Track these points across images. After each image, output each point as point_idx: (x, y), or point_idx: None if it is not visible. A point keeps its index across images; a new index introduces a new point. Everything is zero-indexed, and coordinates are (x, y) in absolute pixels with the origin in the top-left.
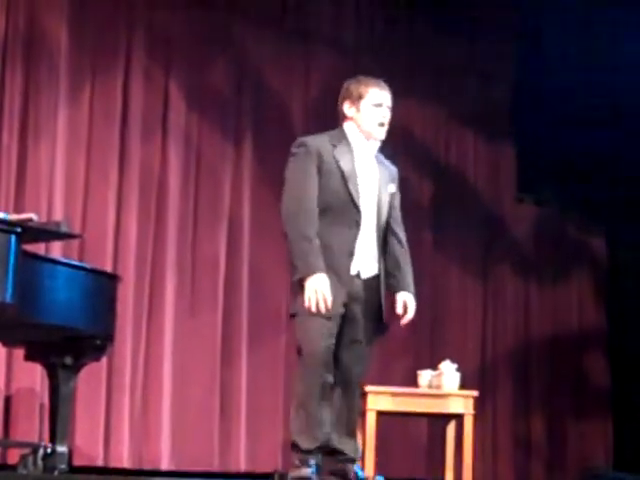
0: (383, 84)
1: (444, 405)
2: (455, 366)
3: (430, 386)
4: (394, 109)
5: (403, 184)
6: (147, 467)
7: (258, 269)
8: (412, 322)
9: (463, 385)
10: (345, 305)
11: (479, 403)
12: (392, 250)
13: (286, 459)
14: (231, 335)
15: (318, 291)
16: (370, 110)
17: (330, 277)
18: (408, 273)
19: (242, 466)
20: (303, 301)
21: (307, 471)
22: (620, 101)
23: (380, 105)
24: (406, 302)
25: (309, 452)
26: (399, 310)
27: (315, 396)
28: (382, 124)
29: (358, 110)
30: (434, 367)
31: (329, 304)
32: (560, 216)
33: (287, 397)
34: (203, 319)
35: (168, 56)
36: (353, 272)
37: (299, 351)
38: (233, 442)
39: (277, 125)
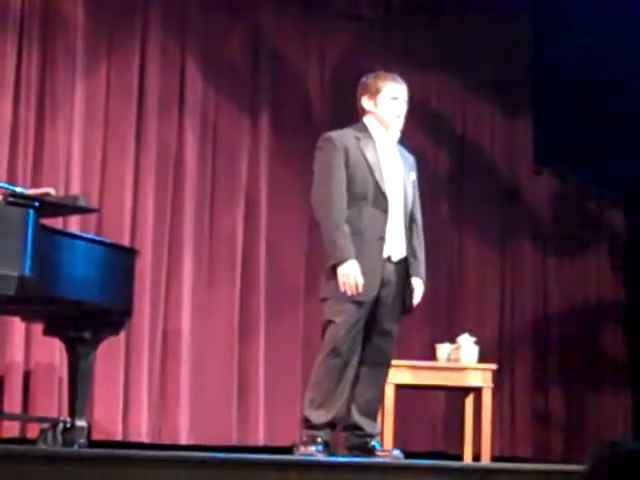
0: (399, 78)
1: (462, 378)
2: (473, 339)
3: (448, 359)
4: (412, 82)
5: (420, 157)
6: (166, 441)
7: (275, 243)
8: (430, 296)
9: (481, 358)
10: (378, 290)
11: (497, 376)
12: (412, 238)
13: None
14: (249, 310)
15: (350, 276)
16: (387, 103)
17: (362, 263)
18: (422, 262)
19: (260, 440)
20: (334, 286)
21: (312, 449)
22: None
23: (396, 98)
24: (414, 287)
25: (318, 428)
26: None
27: (332, 376)
28: (399, 116)
29: (376, 104)
30: (452, 340)
31: (360, 289)
32: (578, 188)
33: (305, 371)
34: (221, 294)
35: (184, 31)
36: (384, 256)
37: (323, 332)
38: (251, 416)
39: (294, 100)
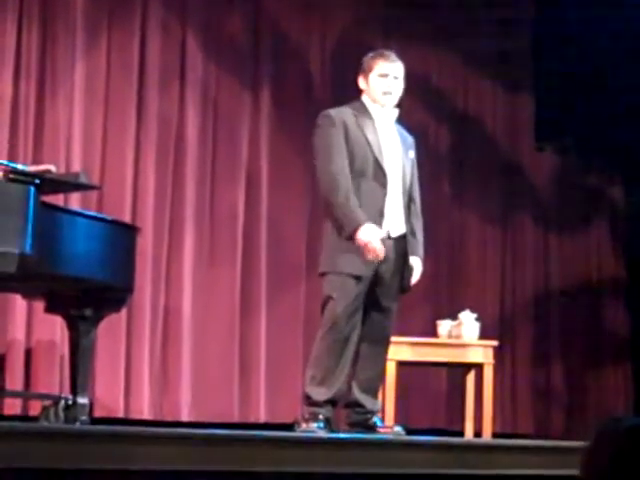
0: (393, 56)
1: (464, 355)
2: (474, 316)
3: (450, 336)
4: (413, 59)
5: (421, 134)
6: (167, 418)
7: (276, 220)
8: (431, 272)
9: (483, 335)
10: (376, 266)
11: (498, 353)
12: (410, 217)
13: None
14: (250, 287)
15: (372, 239)
16: (376, 81)
17: None
18: (420, 241)
19: (262, 417)
20: (333, 260)
21: (313, 426)
22: None
23: (385, 75)
24: (413, 266)
25: (319, 405)
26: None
27: (333, 353)
28: (386, 92)
29: (367, 83)
30: (453, 317)
31: (381, 253)
32: (579, 165)
33: (306, 348)
34: (222, 271)
35: (185, 7)
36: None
37: (323, 307)
38: (253, 393)
39: (295, 75)
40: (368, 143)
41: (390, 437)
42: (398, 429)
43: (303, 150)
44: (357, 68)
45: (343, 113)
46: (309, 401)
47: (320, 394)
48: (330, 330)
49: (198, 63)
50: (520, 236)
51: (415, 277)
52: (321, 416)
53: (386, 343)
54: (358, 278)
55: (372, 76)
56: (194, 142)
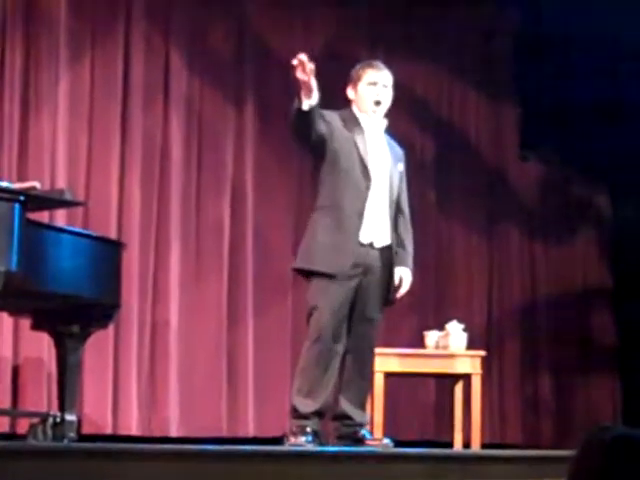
0: (380, 65)
1: (451, 365)
2: (462, 326)
3: (437, 347)
4: (397, 68)
5: (406, 144)
6: (156, 434)
7: (262, 233)
8: (418, 283)
9: (470, 345)
10: (358, 274)
11: (486, 363)
12: (398, 228)
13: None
14: (237, 299)
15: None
16: (365, 89)
17: (338, 237)
18: (409, 253)
19: (250, 431)
20: (309, 255)
21: (302, 440)
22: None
23: (375, 84)
24: (402, 277)
25: (306, 417)
26: (395, 283)
27: (319, 364)
28: (377, 102)
29: (356, 92)
30: (441, 328)
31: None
32: (564, 173)
33: (294, 360)
34: (209, 284)
35: (168, 21)
36: (365, 241)
37: (308, 318)
38: (241, 407)
39: (279, 89)
40: (355, 144)
41: (379, 450)
42: (387, 441)
43: (287, 162)
44: (344, 80)
45: (332, 114)
46: (296, 414)
47: (307, 406)
48: (316, 341)
49: (182, 78)
50: (506, 245)
51: (404, 288)
52: (309, 429)
53: (371, 355)
54: (332, 277)
55: (361, 85)
56: (179, 156)
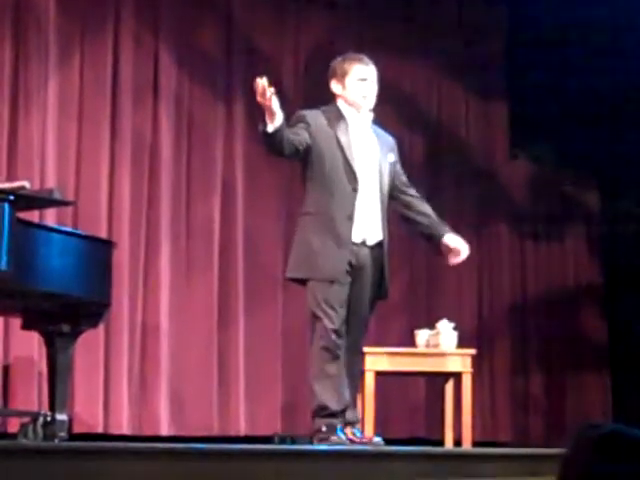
0: (366, 59)
1: (442, 364)
2: (452, 325)
3: (428, 345)
4: (386, 67)
5: (395, 142)
6: (147, 433)
7: (253, 232)
8: (408, 282)
9: (461, 343)
10: (352, 273)
11: (477, 361)
12: (414, 206)
13: (285, 422)
14: (227, 299)
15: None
16: (355, 85)
17: (329, 242)
18: (439, 220)
19: (242, 429)
20: (308, 265)
21: (342, 438)
22: (619, 55)
23: (364, 80)
24: (454, 243)
25: (335, 415)
26: (453, 249)
27: (333, 361)
28: (366, 97)
29: (344, 87)
30: (431, 326)
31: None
32: (554, 172)
33: (285, 359)
34: (199, 283)
35: (157, 20)
36: (357, 239)
37: (312, 321)
38: (232, 406)
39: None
40: (339, 144)
41: (369, 448)
42: (377, 440)
43: (277, 162)
44: (328, 73)
45: (316, 114)
46: (326, 412)
47: (337, 403)
48: (324, 341)
49: (171, 76)
50: (496, 244)
51: (464, 252)
52: (339, 426)
53: (360, 352)
54: (331, 282)
55: (350, 80)
56: (169, 155)
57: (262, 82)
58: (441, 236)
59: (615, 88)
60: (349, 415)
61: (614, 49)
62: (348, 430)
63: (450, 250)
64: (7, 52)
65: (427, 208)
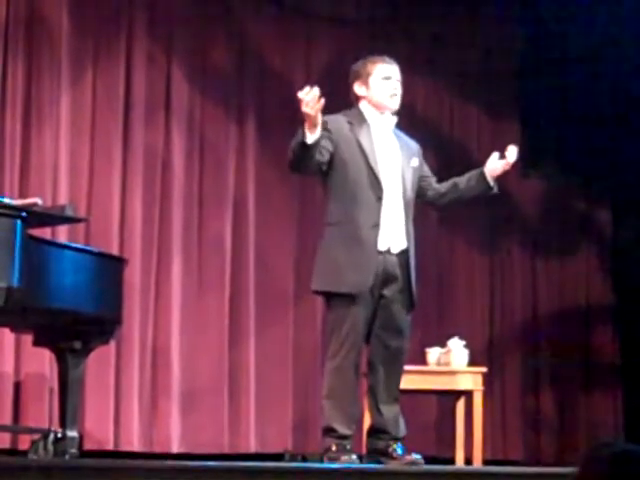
0: (388, 58)
1: (453, 382)
2: (463, 343)
3: (439, 363)
4: None
5: None
6: (157, 450)
7: (264, 248)
8: (419, 299)
9: (472, 361)
10: (380, 286)
11: (488, 379)
12: (442, 188)
13: (296, 439)
14: (239, 315)
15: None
16: (380, 84)
17: (355, 252)
18: (465, 175)
19: (252, 447)
20: (325, 277)
21: (353, 457)
22: (634, 74)
23: (389, 78)
24: (493, 164)
25: (345, 437)
26: (496, 165)
27: (346, 382)
28: (393, 95)
29: (368, 87)
30: (442, 344)
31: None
32: (566, 190)
33: (296, 377)
34: (210, 300)
35: (170, 37)
36: (383, 248)
37: (330, 337)
38: (243, 423)
39: (280, 104)
40: (362, 151)
41: (377, 466)
42: (416, 457)
43: (289, 177)
44: (344, 97)
45: (337, 120)
46: (335, 434)
47: (345, 428)
48: (339, 360)
49: (183, 93)
50: (508, 262)
51: (513, 153)
52: (348, 447)
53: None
54: (353, 298)
55: (374, 80)
56: (180, 172)
57: (314, 92)
58: (481, 173)
59: (630, 107)
60: (393, 430)
61: (629, 69)
62: (390, 447)
63: (499, 167)
64: (20, 68)
65: (449, 181)
